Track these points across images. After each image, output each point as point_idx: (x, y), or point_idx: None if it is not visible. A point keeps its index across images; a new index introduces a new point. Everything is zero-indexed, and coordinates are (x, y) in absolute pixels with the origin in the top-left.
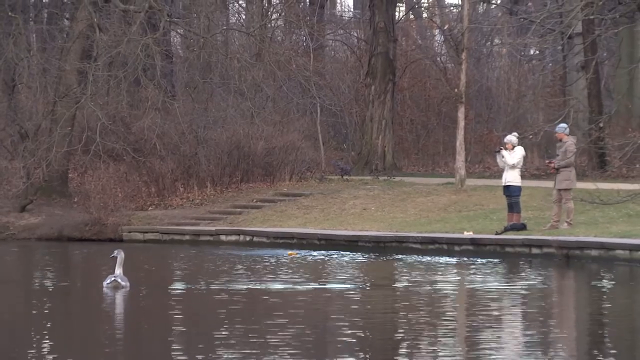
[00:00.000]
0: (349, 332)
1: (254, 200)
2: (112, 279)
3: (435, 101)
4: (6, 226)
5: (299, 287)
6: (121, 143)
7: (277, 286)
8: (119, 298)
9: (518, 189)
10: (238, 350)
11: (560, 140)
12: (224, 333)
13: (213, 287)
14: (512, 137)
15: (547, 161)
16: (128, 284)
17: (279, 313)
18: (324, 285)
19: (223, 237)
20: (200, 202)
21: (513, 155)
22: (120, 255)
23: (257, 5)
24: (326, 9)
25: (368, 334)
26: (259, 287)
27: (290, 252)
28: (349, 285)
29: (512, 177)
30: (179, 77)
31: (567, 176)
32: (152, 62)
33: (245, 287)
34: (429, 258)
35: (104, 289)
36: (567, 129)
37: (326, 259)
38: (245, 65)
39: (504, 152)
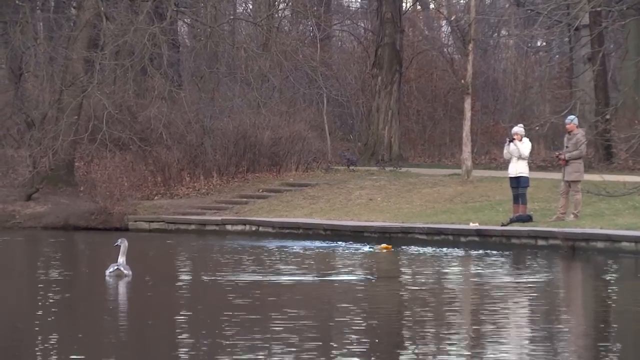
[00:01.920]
0: (355, 324)
1: (260, 190)
2: (115, 267)
3: (442, 92)
4: (12, 215)
5: (305, 279)
6: (127, 132)
7: (283, 277)
8: (123, 287)
9: (528, 180)
10: (243, 342)
11: (569, 132)
12: (228, 324)
13: (218, 278)
14: (520, 129)
15: (555, 153)
16: (130, 272)
17: (285, 305)
18: (330, 276)
19: (229, 227)
20: (206, 192)
21: (525, 146)
22: (123, 244)
23: None
24: None
25: (374, 325)
26: (264, 279)
27: (383, 245)
28: (355, 277)
29: (523, 168)
30: (186, 67)
31: (577, 168)
32: (158, 52)
33: (250, 278)
34: (434, 249)
35: (107, 278)
36: (577, 120)
37: (333, 249)
38: (252, 55)
39: (517, 142)
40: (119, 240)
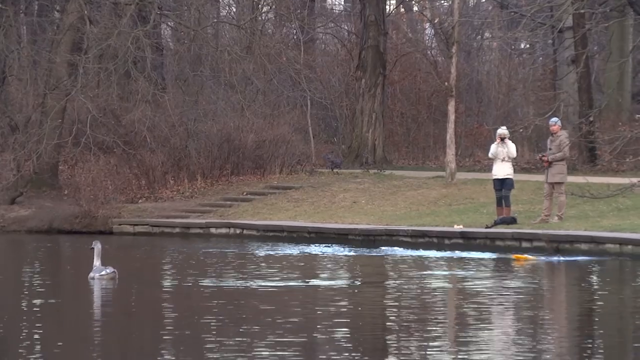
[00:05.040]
0: (339, 329)
1: (244, 193)
2: (111, 270)
3: (426, 94)
4: None
5: (289, 284)
6: (111, 135)
7: (267, 283)
8: (109, 290)
9: (513, 182)
10: (227, 346)
11: (553, 134)
12: (212, 331)
13: (202, 283)
14: (505, 130)
15: (539, 155)
16: None
17: (269, 310)
18: (314, 282)
19: (213, 230)
20: (190, 195)
21: (514, 147)
22: (97, 246)
23: None
24: (317, 2)
25: (358, 332)
26: (248, 284)
27: (517, 255)
28: (339, 282)
29: (510, 170)
30: (170, 70)
31: (560, 170)
32: (142, 55)
33: (234, 283)
34: (419, 252)
35: (96, 281)
36: (560, 122)
37: (316, 253)
38: (235, 58)
39: (508, 141)
40: (93, 243)
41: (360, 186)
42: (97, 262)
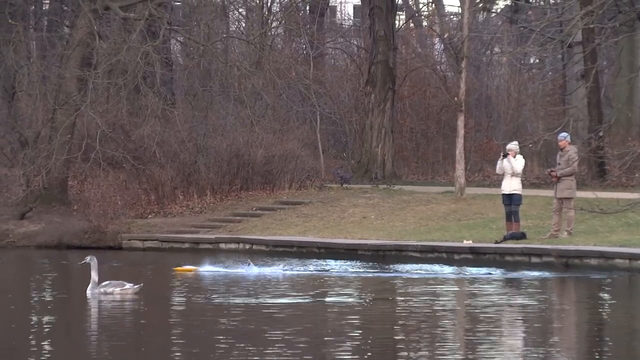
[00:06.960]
0: (349, 347)
1: (254, 209)
2: (134, 285)
3: (435, 109)
4: (6, 234)
5: (299, 301)
6: (121, 151)
7: (277, 300)
8: (116, 306)
9: (521, 197)
10: None
11: (562, 149)
12: (222, 347)
13: (213, 300)
14: (515, 146)
15: (548, 170)
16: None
17: (279, 328)
18: (324, 299)
19: (222, 245)
20: (199, 210)
21: (517, 163)
22: (93, 261)
23: (257, 13)
24: (326, 17)
25: (368, 349)
26: (258, 301)
27: (185, 267)
28: (349, 299)
29: (516, 186)
30: (179, 85)
31: (569, 185)
32: (152, 70)
33: (244, 301)
34: (428, 267)
35: (117, 295)
36: (569, 137)
37: (325, 269)
38: (245, 73)
39: (510, 158)
40: (88, 258)
41: (370, 201)
42: (95, 277)
